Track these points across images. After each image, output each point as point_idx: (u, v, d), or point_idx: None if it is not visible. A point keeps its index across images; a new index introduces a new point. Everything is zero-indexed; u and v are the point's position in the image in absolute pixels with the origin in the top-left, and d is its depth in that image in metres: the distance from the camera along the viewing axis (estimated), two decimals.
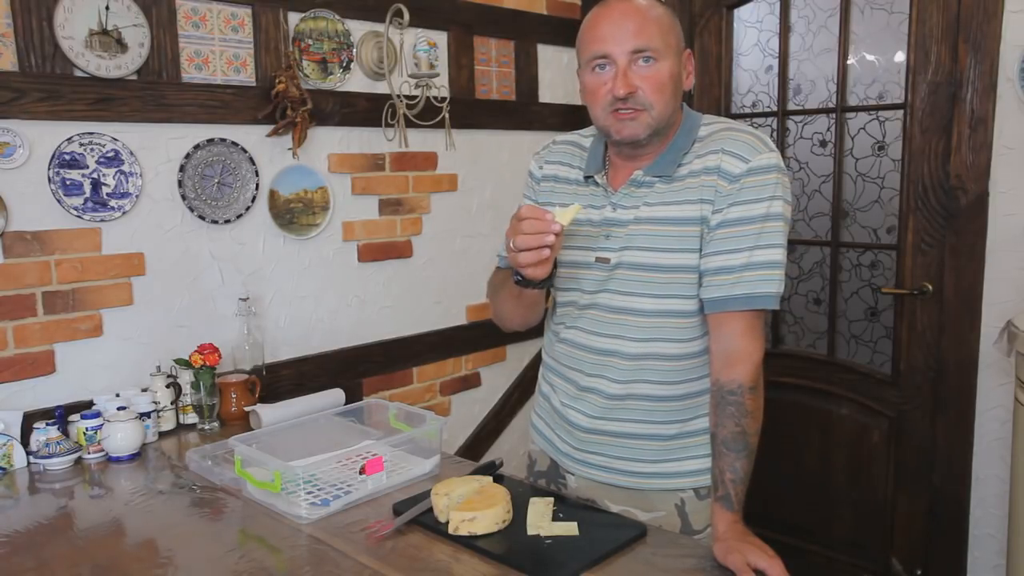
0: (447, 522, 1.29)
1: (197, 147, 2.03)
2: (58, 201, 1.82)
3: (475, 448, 2.78)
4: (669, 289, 1.33)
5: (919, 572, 2.46)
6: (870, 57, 2.47)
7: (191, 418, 1.95)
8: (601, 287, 1.39)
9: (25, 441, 1.73)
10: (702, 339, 1.37)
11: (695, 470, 1.41)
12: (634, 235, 1.35)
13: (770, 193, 1.27)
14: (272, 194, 2.20)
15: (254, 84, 2.14)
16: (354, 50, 2.35)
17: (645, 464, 1.42)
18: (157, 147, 1.98)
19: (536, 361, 2.91)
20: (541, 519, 1.31)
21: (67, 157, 1.83)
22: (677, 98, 1.34)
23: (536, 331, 1.60)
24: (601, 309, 1.40)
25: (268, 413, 1.89)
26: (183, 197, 2.02)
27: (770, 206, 1.27)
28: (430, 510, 1.35)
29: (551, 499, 1.37)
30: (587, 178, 1.43)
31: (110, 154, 1.89)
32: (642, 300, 1.35)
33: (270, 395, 2.11)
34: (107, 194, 1.90)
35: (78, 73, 1.83)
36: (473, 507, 1.28)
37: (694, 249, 1.31)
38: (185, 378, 1.93)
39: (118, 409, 1.76)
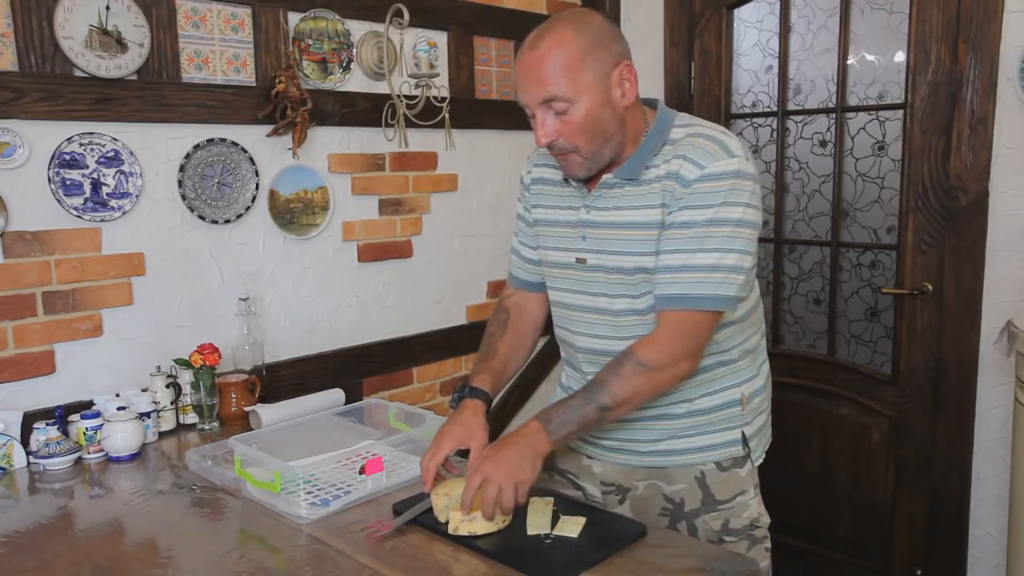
0: (447, 522, 1.29)
1: (197, 147, 2.03)
2: (58, 201, 1.82)
3: None
4: (638, 289, 1.36)
5: (919, 572, 2.46)
6: (870, 57, 2.47)
7: (191, 418, 1.95)
8: (582, 288, 1.44)
9: (25, 441, 1.73)
10: None
11: (709, 445, 1.44)
12: (606, 239, 1.39)
13: (721, 199, 1.27)
14: (272, 194, 2.20)
15: (254, 84, 2.14)
16: (354, 50, 2.35)
17: (658, 443, 1.46)
18: (157, 147, 1.98)
19: (536, 361, 2.91)
20: (541, 519, 1.31)
21: (67, 157, 1.83)
22: (608, 127, 1.31)
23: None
24: (585, 311, 1.45)
25: (268, 413, 1.89)
26: (183, 197, 2.02)
27: (718, 211, 1.28)
28: (430, 510, 1.35)
29: (551, 499, 1.37)
30: (565, 179, 1.46)
31: (110, 154, 1.89)
32: (617, 301, 1.39)
33: (270, 395, 2.11)
34: (107, 194, 1.89)
35: (78, 73, 1.83)
36: (473, 507, 1.28)
37: (654, 252, 1.34)
38: (185, 378, 1.93)
39: (118, 409, 1.76)
